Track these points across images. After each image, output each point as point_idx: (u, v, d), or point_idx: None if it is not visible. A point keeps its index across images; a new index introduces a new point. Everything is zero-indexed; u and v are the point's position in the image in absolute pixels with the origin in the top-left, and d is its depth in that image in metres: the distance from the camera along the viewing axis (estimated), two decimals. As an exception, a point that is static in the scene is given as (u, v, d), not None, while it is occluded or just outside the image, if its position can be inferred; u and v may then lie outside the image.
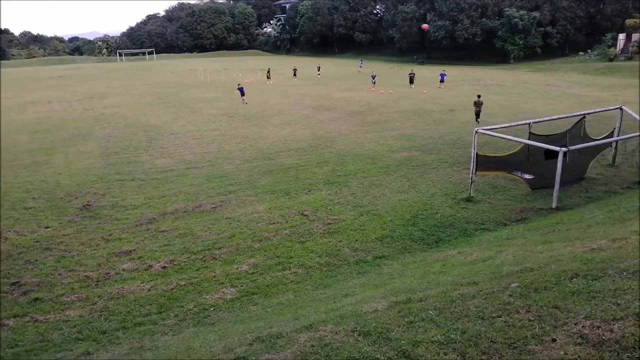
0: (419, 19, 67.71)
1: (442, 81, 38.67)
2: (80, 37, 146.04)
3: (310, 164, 17.26)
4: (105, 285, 9.06)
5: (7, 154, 19.98)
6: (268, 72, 47.95)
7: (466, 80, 42.79)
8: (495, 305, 4.13)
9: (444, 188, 14.16)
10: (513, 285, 4.65)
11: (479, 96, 24.40)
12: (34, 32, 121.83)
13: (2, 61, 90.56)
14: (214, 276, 9.23)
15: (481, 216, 11.90)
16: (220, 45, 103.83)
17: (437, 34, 64.32)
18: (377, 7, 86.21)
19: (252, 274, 9.30)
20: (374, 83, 39.85)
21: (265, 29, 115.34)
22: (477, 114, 23.78)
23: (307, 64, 60.98)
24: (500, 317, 3.85)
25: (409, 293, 5.40)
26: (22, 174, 16.90)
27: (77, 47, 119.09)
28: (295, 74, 49.17)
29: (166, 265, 9.78)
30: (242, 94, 32.46)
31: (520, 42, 59.18)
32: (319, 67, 53.88)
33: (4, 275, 9.53)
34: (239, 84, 34.24)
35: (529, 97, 32.36)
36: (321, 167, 16.89)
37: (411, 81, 40.16)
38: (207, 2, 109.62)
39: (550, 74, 48.34)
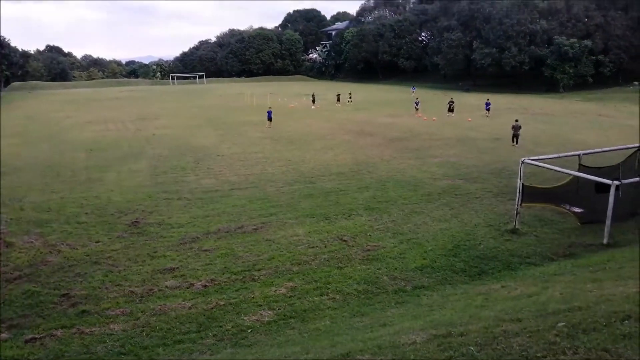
0: (464, 46, 67.37)
1: (487, 109, 37.80)
2: (136, 60, 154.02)
3: (351, 189, 17.30)
4: (148, 301, 9.34)
5: (65, 170, 21.13)
6: (313, 96, 48.78)
7: (512, 109, 41.92)
8: (540, 345, 3.99)
9: (487, 218, 13.82)
10: (560, 324, 4.47)
11: (516, 120, 25.70)
12: (94, 56, 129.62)
13: (64, 82, 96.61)
14: (253, 298, 9.34)
15: (526, 249, 11.50)
16: (267, 70, 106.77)
17: (483, 61, 63.69)
18: (422, 34, 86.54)
19: (289, 297, 9.34)
20: (417, 109, 39.70)
21: (311, 55, 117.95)
22: (515, 137, 25.22)
23: (350, 89, 61.57)
24: (545, 357, 3.72)
25: (449, 326, 5.28)
26: (77, 190, 17.80)
27: (133, 70, 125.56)
28: (338, 99, 49.66)
29: (207, 284, 9.99)
30: (269, 118, 33.08)
31: (571, 71, 57.59)
32: (350, 94, 52.34)
33: (55, 286, 10.00)
34: (269, 107, 34.91)
35: (579, 127, 31.31)
36: (362, 192, 16.89)
37: (450, 109, 38.41)
38: (256, 29, 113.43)
39: (602, 103, 46.68)
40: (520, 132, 25.18)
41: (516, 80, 65.04)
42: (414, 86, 65.43)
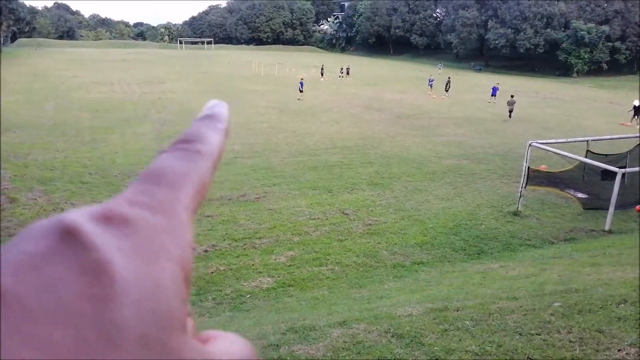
0: (479, 25, 66.10)
1: (493, 95, 36.42)
2: (144, 22, 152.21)
3: (355, 164, 17.26)
4: (149, 262, 9.45)
5: (70, 129, 21.12)
6: (322, 69, 48.18)
7: (523, 92, 41.39)
8: (535, 323, 4.03)
9: (490, 199, 13.81)
10: (556, 304, 4.51)
11: (512, 96, 27.66)
12: (102, 15, 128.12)
13: (71, 41, 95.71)
14: (253, 264, 9.44)
15: (527, 232, 11.53)
16: (276, 39, 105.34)
17: (497, 41, 62.57)
18: (437, 10, 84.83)
19: (289, 266, 9.44)
20: (431, 87, 39.08)
21: (322, 26, 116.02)
22: (510, 112, 27.11)
23: (360, 64, 60.81)
24: (539, 335, 3.76)
25: (445, 301, 5.34)
26: (81, 150, 17.82)
27: (141, 32, 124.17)
28: (348, 72, 48.79)
29: (208, 249, 10.09)
30: (301, 89, 32.54)
31: (586, 56, 56.59)
32: (348, 68, 49.85)
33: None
34: (301, 79, 34.23)
35: (590, 113, 30.95)
36: (366, 167, 16.86)
37: (446, 88, 37.69)
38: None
39: (615, 91, 46.00)
40: (515, 106, 27.11)
41: (529, 63, 64.04)
42: (440, 64, 63.92)
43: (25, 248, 0.23)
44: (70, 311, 0.21)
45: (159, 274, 0.25)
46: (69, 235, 0.24)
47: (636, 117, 27.25)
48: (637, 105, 27.28)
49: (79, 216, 0.26)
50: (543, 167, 13.14)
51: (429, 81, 39.97)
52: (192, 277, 0.25)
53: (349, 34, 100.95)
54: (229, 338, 0.29)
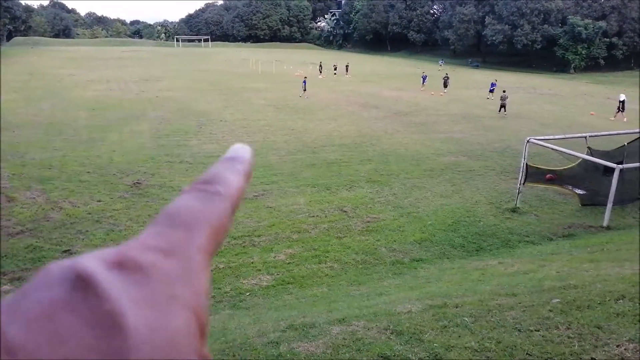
0: (476, 21, 66.07)
1: (491, 91, 36.42)
2: (141, 20, 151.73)
3: (353, 161, 17.27)
4: (148, 260, 9.45)
5: (67, 128, 21.07)
6: (320, 66, 48.08)
7: (521, 88, 41.40)
8: (534, 319, 4.05)
9: (489, 196, 13.84)
10: (554, 300, 4.53)
11: (504, 91, 28.57)
12: (99, 14, 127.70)
13: (67, 39, 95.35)
14: (252, 262, 9.45)
15: (526, 228, 11.56)
16: (273, 36, 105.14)
17: (494, 37, 62.57)
18: (434, 7, 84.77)
19: (288, 263, 9.45)
20: (423, 83, 39.13)
21: (319, 23, 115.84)
22: (503, 106, 27.44)
23: (357, 61, 60.71)
24: (538, 331, 3.77)
25: (444, 298, 5.35)
26: (79, 149, 17.78)
27: (138, 31, 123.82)
28: (347, 70, 48.55)
29: (207, 247, 10.08)
30: (304, 88, 32.20)
31: (583, 52, 56.64)
32: (347, 65, 49.22)
33: (57, 242, 10.11)
34: (305, 77, 33.94)
35: (587, 109, 30.99)
36: (364, 164, 16.86)
37: (445, 85, 37.56)
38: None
39: (612, 87, 46.06)
40: (507, 101, 27.61)
41: (526, 59, 64.08)
42: (442, 60, 63.91)
43: (39, 296, 0.23)
44: None
45: (172, 325, 0.24)
46: (82, 283, 0.24)
47: (621, 111, 27.47)
48: (622, 99, 27.45)
49: (93, 262, 0.26)
50: (549, 176, 13.15)
51: (423, 78, 39.94)
52: (206, 323, 0.26)
53: (346, 31, 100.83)
54: None
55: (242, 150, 0.38)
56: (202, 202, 0.30)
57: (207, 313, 0.27)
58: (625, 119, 26.44)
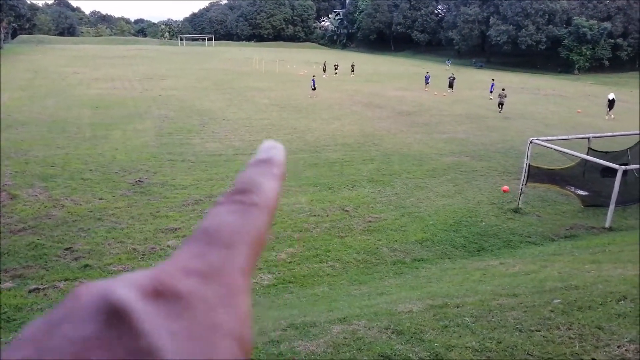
0: (481, 22, 65.94)
1: (492, 91, 36.27)
2: (145, 19, 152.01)
3: (356, 161, 17.25)
4: (150, 259, 9.47)
5: (71, 126, 21.12)
6: (324, 65, 48.03)
7: (525, 88, 41.30)
8: (535, 319, 4.03)
9: (491, 197, 13.81)
10: (556, 301, 4.51)
11: (503, 89, 28.80)
12: (103, 12, 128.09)
13: (72, 37, 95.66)
14: (253, 261, 9.44)
15: (528, 229, 11.53)
16: (277, 36, 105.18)
17: (498, 38, 62.42)
18: (439, 7, 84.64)
19: (289, 263, 9.45)
20: (427, 83, 39.04)
21: (323, 22, 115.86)
22: (500, 105, 27.98)
23: (361, 60, 60.60)
24: (539, 331, 3.76)
25: (445, 298, 5.34)
26: (82, 146, 17.83)
27: (142, 29, 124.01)
28: (352, 70, 48.26)
29: (208, 245, 10.09)
30: (313, 87, 32.01)
31: (587, 53, 56.44)
32: (353, 65, 49.22)
33: (59, 240, 10.14)
34: (313, 76, 33.81)
35: (591, 110, 30.88)
36: (366, 164, 16.85)
37: (450, 85, 37.64)
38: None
39: (616, 88, 45.87)
40: (506, 100, 28.19)
41: (531, 60, 63.88)
42: (449, 59, 63.70)
43: (70, 333, 0.21)
44: None
45: (214, 357, 0.23)
46: (117, 318, 0.22)
47: (609, 109, 27.80)
48: (611, 98, 27.65)
49: (128, 293, 0.23)
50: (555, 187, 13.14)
51: (426, 78, 39.82)
52: (251, 350, 0.25)
53: (350, 31, 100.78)
54: None
55: (274, 150, 0.36)
56: (239, 216, 0.29)
57: (251, 340, 0.25)
58: (612, 116, 27.39)
